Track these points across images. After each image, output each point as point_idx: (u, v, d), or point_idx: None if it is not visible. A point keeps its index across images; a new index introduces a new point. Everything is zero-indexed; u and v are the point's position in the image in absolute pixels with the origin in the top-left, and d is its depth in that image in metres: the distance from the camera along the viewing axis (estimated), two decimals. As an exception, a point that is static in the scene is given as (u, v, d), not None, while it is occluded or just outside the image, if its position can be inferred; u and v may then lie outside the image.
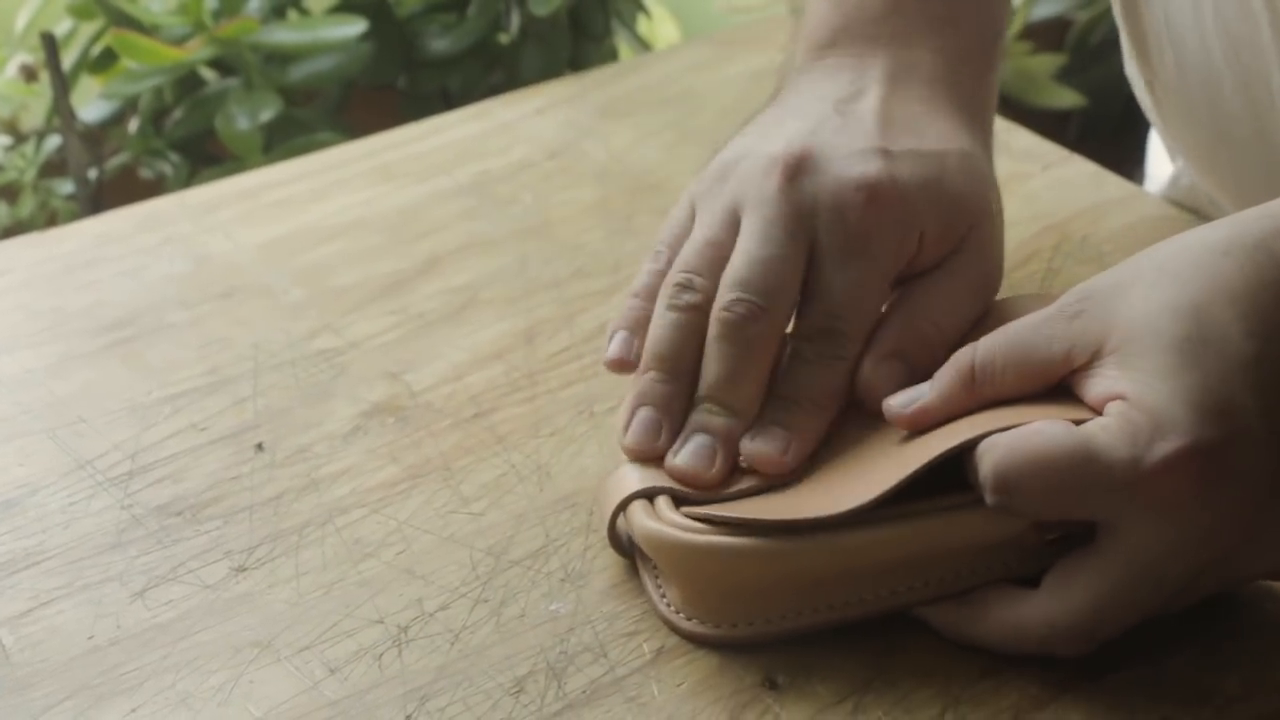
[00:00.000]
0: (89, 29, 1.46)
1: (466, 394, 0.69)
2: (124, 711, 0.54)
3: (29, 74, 1.52)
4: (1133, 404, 0.51)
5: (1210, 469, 0.50)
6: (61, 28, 1.47)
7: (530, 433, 0.67)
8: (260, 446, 0.67)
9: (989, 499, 0.52)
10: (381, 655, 0.56)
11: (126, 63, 1.43)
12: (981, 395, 0.55)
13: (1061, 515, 0.53)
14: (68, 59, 1.45)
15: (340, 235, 0.82)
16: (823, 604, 0.55)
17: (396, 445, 0.67)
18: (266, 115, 1.41)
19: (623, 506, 0.58)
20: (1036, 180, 0.83)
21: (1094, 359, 0.53)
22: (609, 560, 0.60)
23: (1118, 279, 0.54)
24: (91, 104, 1.48)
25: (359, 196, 0.85)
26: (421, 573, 0.60)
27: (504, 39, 1.64)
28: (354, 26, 1.42)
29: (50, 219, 1.52)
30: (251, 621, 0.58)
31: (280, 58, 1.47)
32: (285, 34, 1.44)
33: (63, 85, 1.43)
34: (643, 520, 0.56)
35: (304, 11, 1.56)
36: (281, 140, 1.43)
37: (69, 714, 0.54)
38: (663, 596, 0.57)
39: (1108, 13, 1.77)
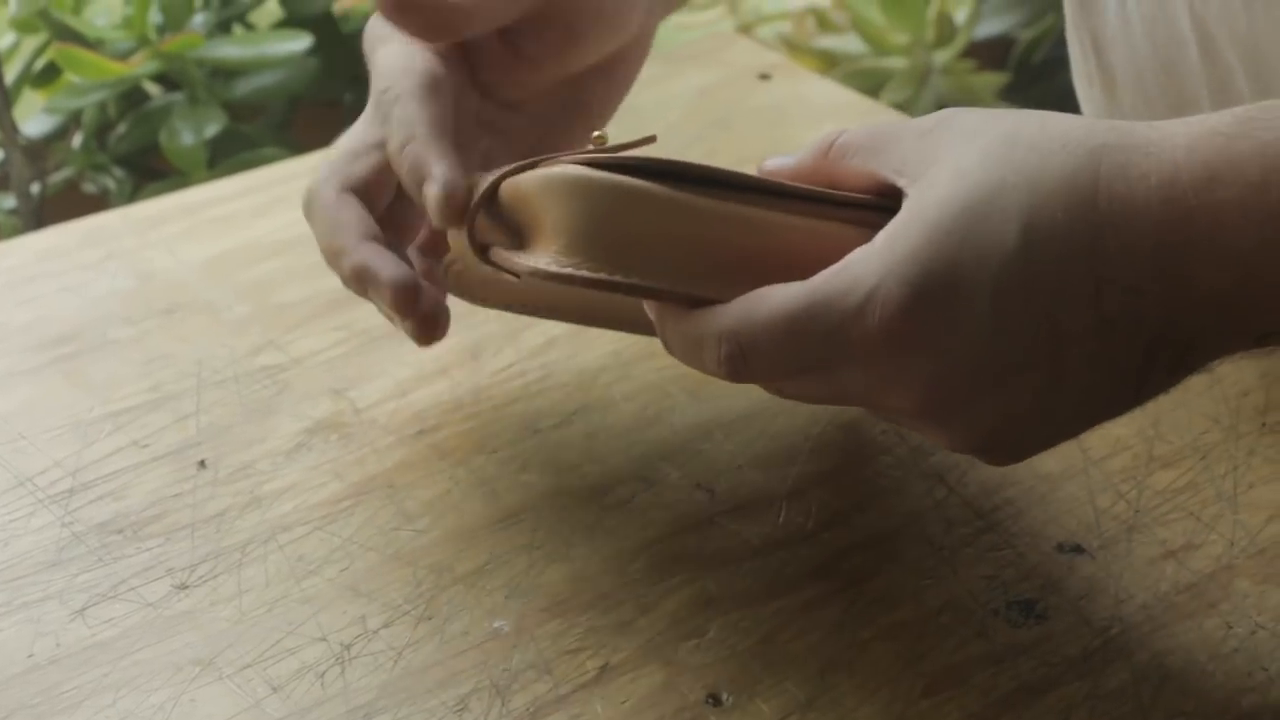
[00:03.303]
0: (32, 43, 1.46)
1: (410, 410, 0.69)
2: (63, 731, 0.54)
3: (-29, 87, 1.50)
4: (869, 251, 0.49)
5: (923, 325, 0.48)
6: (4, 41, 1.46)
7: (474, 449, 0.67)
8: (203, 463, 0.66)
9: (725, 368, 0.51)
10: (324, 673, 0.56)
11: (70, 77, 1.42)
12: (830, 171, 0.54)
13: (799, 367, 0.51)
14: (10, 72, 1.44)
15: (284, 251, 0.81)
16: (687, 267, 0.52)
17: (340, 462, 0.66)
18: (211, 130, 1.41)
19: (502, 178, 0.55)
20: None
21: (908, 185, 0.51)
22: (553, 578, 0.60)
23: (980, 124, 0.52)
24: (34, 118, 1.48)
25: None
26: (365, 590, 0.60)
27: (451, 55, 1.64)
28: (299, 42, 1.42)
29: (-8, 234, 1.51)
30: (193, 639, 0.58)
31: (225, 73, 1.46)
32: (230, 49, 1.44)
33: (5, 99, 1.42)
34: (540, 172, 0.53)
35: (249, 26, 1.56)
36: (226, 156, 1.43)
37: (7, 734, 0.54)
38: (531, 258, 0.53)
39: (1050, 32, 1.80)
